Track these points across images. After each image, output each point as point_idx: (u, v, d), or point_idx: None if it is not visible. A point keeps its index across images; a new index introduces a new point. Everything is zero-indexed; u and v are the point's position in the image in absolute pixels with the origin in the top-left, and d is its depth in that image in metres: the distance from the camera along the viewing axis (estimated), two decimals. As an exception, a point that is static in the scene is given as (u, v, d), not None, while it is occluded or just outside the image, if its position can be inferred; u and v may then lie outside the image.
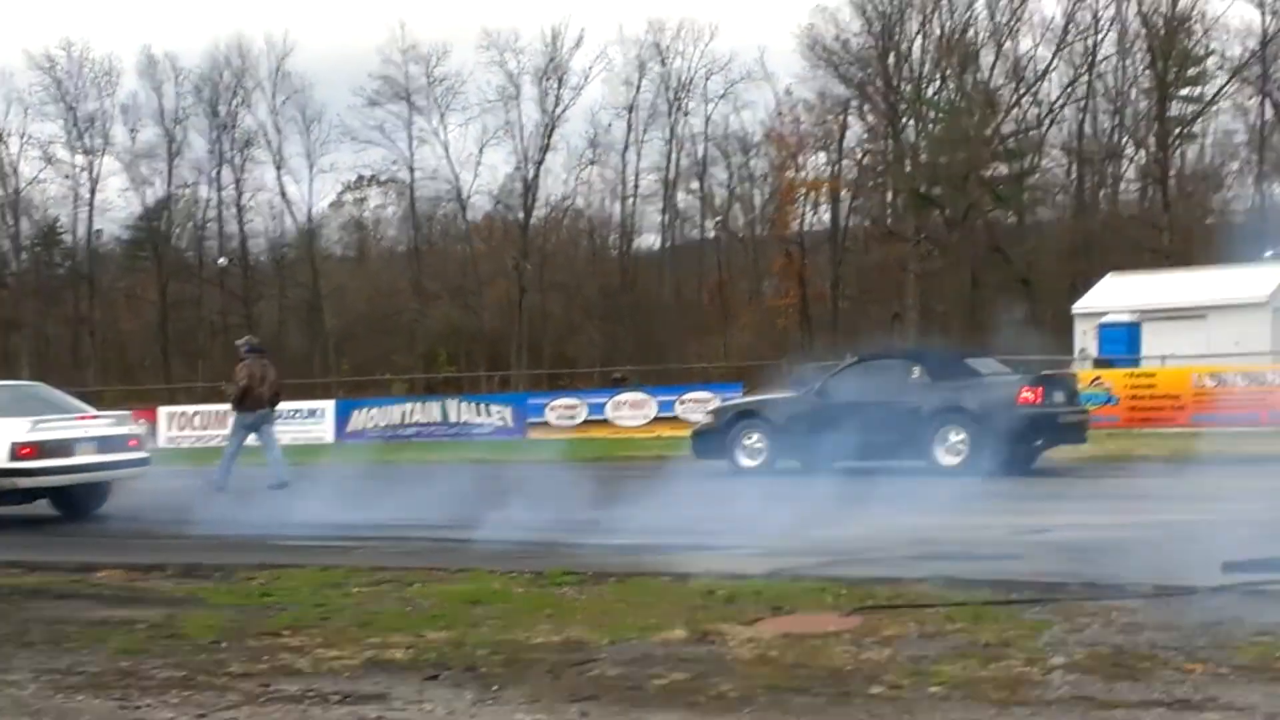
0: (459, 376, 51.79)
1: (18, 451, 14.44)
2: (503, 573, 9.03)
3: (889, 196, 57.17)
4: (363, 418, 32.61)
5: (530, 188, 57.60)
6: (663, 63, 57.91)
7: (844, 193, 57.26)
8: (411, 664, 6.49)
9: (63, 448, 14.81)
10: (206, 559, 10.26)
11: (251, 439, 18.93)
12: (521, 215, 58.18)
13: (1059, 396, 17.83)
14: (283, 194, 59.30)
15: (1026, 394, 17.05)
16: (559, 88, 56.78)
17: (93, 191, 59.42)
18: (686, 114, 58.30)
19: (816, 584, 8.10)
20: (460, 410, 31.78)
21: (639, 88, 57.86)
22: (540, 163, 57.50)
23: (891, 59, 53.44)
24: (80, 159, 58.97)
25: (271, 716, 5.63)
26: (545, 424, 30.59)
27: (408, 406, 32.88)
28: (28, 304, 59.15)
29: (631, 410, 29.41)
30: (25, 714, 5.82)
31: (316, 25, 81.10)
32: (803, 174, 57.51)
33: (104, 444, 15.31)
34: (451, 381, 49.28)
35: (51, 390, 17.07)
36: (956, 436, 16.84)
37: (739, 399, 21.97)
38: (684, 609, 7.49)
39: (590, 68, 58.67)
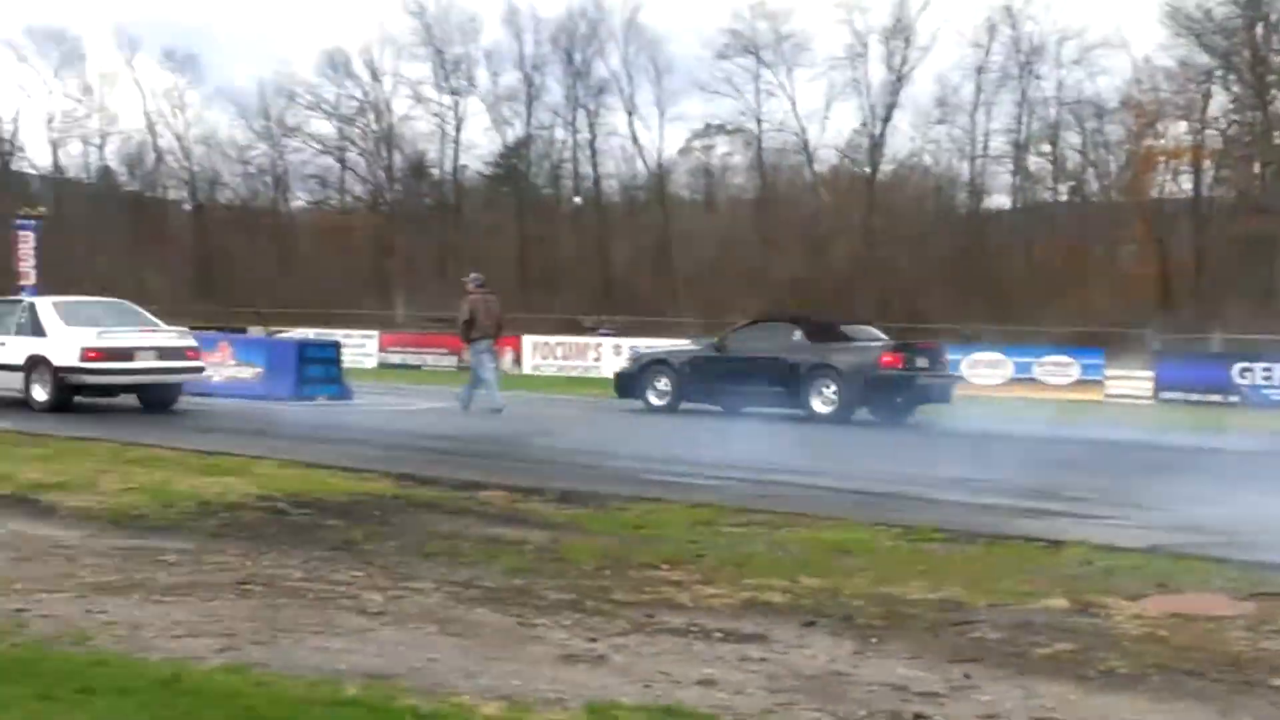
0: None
1: (85, 354, 16.54)
2: (870, 524, 9.08)
3: (1256, 168, 53.89)
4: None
5: (877, 144, 57.17)
6: (1013, 26, 56.22)
7: (1207, 163, 54.32)
8: (789, 608, 6.59)
9: (124, 353, 16.89)
10: (581, 486, 10.69)
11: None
12: (868, 170, 57.83)
13: (922, 362, 19.89)
14: (634, 139, 60.85)
15: (887, 357, 19.47)
16: (906, 47, 56.02)
17: (458, 129, 62.53)
18: (1038, 78, 56.47)
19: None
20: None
21: (989, 50, 56.29)
22: (887, 120, 56.92)
23: (1259, 29, 50.29)
24: (447, 99, 62.07)
25: (659, 646, 5.82)
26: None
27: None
28: (400, 230, 62.53)
29: (988, 370, 28.63)
30: (434, 621, 6.21)
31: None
32: (1162, 142, 54.84)
33: (164, 353, 17.34)
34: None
35: (134, 307, 19.03)
36: (828, 389, 19.28)
37: (654, 349, 23.93)
38: (1062, 578, 7.38)
39: (938, 30, 57.48)
